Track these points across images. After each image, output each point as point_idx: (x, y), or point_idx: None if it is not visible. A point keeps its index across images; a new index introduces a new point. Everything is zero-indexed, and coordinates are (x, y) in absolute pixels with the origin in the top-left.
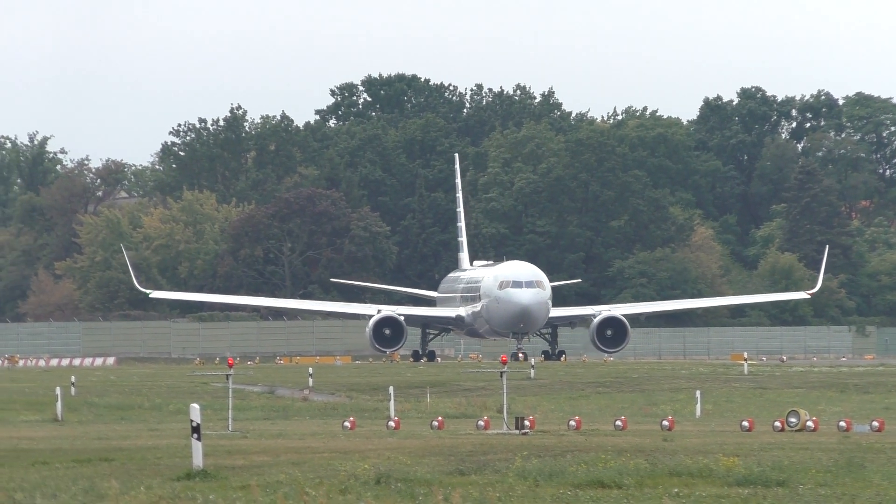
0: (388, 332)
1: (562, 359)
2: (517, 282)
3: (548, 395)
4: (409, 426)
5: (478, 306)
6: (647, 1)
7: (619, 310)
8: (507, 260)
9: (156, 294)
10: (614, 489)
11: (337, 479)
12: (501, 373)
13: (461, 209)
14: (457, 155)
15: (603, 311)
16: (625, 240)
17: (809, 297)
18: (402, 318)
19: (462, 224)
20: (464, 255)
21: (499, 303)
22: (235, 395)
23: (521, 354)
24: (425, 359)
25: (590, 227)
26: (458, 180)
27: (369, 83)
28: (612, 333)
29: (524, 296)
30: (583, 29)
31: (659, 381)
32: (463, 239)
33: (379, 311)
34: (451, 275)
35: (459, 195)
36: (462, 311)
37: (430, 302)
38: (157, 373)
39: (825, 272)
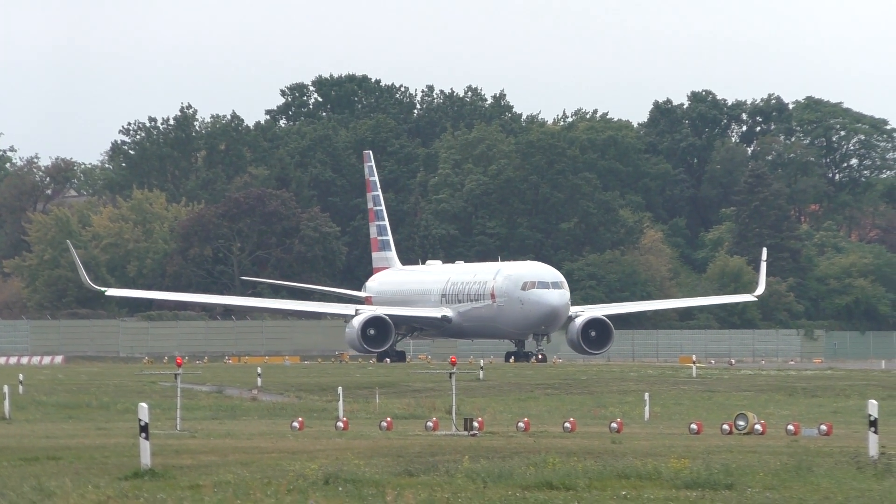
0: (372, 333)
1: (531, 360)
2: (543, 283)
3: (497, 397)
4: (357, 427)
5: (480, 306)
6: (597, 4)
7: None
8: (457, 261)
9: (112, 292)
10: (563, 491)
11: (285, 480)
12: (450, 374)
13: (382, 207)
14: (369, 152)
15: (578, 311)
16: (574, 242)
17: (756, 298)
18: (388, 317)
19: (386, 223)
20: (392, 255)
21: (523, 304)
22: (184, 395)
23: (539, 356)
24: (388, 359)
25: (539, 229)
26: (375, 178)
27: (320, 83)
28: (595, 335)
29: (552, 297)
30: (534, 31)
31: (608, 384)
32: (389, 237)
33: (357, 312)
34: (391, 272)
35: (379, 193)
36: (447, 311)
37: (356, 301)
38: (105, 371)
39: (773, 276)
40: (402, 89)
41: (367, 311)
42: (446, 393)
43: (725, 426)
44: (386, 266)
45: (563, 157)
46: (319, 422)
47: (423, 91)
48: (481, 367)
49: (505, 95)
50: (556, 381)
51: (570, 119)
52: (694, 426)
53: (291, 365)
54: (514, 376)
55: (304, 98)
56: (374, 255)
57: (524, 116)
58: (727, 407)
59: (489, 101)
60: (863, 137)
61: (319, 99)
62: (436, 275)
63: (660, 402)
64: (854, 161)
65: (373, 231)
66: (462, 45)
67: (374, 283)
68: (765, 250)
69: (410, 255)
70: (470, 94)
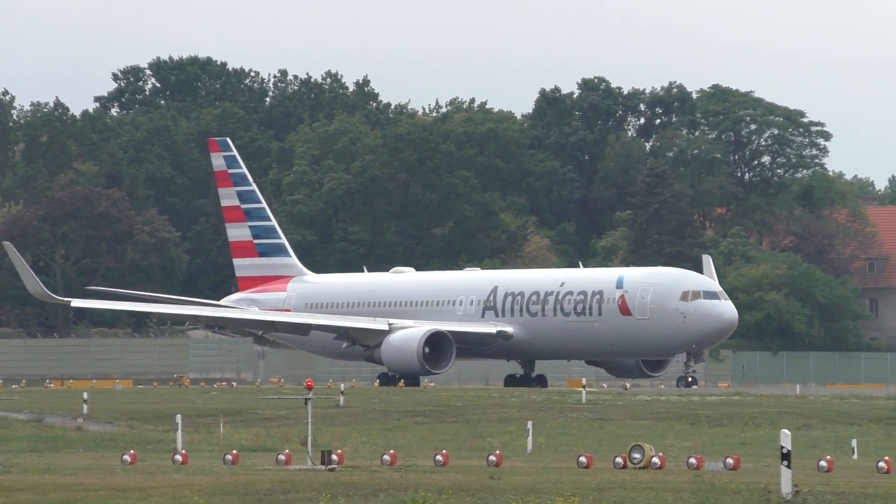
0: (427, 351)
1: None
2: (710, 292)
3: (359, 426)
4: (198, 460)
5: (587, 320)
6: None
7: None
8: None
9: (77, 303)
10: None
11: None
12: (306, 400)
13: (262, 204)
14: (226, 139)
15: None
16: (449, 249)
17: None
18: (450, 334)
19: (274, 223)
20: (293, 261)
21: (685, 317)
22: None
23: (689, 378)
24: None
25: (410, 235)
26: (242, 169)
27: (157, 67)
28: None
29: (726, 309)
30: (402, 9)
31: (485, 411)
32: (283, 240)
33: (392, 327)
34: (312, 280)
35: (252, 188)
36: (505, 326)
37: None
38: None
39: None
40: (252, 74)
41: (422, 327)
42: (301, 421)
43: (619, 459)
44: (278, 275)
45: (436, 153)
46: (155, 455)
47: (275, 76)
48: (342, 393)
49: (369, 82)
50: (427, 409)
51: (444, 109)
52: (583, 459)
53: (123, 389)
54: (379, 402)
55: (140, 84)
56: (242, 261)
57: (392, 106)
58: (621, 437)
59: (351, 88)
60: (776, 131)
61: (157, 84)
62: (458, 282)
63: (545, 432)
64: (766, 158)
65: (236, 233)
66: (320, 23)
67: (292, 294)
68: (708, 258)
69: None
70: (329, 80)
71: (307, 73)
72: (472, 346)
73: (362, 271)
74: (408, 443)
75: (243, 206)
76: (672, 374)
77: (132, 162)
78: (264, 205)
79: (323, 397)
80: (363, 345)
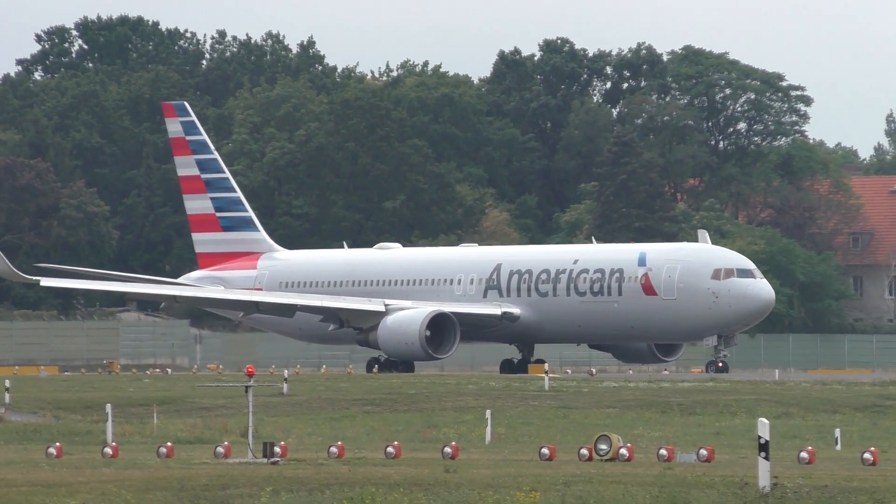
0: (428, 334)
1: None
2: (745, 270)
3: (304, 416)
4: (130, 453)
5: (604, 300)
6: None
7: None
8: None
9: (47, 282)
10: None
11: None
12: (247, 387)
13: (225, 174)
14: (184, 103)
15: None
16: (401, 224)
17: None
18: (454, 315)
19: (239, 194)
20: (262, 236)
21: (717, 297)
22: None
23: (720, 363)
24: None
25: (358, 209)
26: (202, 136)
27: (85, 27)
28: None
29: (763, 288)
30: None
31: (441, 399)
32: (250, 214)
33: (388, 308)
34: (286, 256)
35: (215, 156)
36: (511, 307)
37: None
38: None
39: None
40: (188, 35)
41: (422, 308)
42: (241, 411)
43: (584, 451)
44: (246, 252)
45: (386, 121)
46: (82, 447)
47: (213, 38)
48: (285, 380)
49: (314, 43)
50: (378, 397)
51: (395, 73)
52: (546, 451)
53: (48, 376)
54: (326, 390)
55: (65, 45)
56: (203, 236)
57: (338, 70)
58: (586, 427)
59: (294, 50)
60: (752, 96)
61: (84, 46)
62: (456, 259)
63: (504, 422)
64: (742, 125)
65: (195, 206)
66: None
67: (263, 272)
68: (704, 233)
69: None
70: (270, 41)
71: (247, 34)
72: (474, 328)
73: (342, 246)
74: (357, 434)
75: (203, 175)
76: (686, 360)
77: (57, 130)
78: (228, 174)
79: (265, 385)
80: (355, 327)
